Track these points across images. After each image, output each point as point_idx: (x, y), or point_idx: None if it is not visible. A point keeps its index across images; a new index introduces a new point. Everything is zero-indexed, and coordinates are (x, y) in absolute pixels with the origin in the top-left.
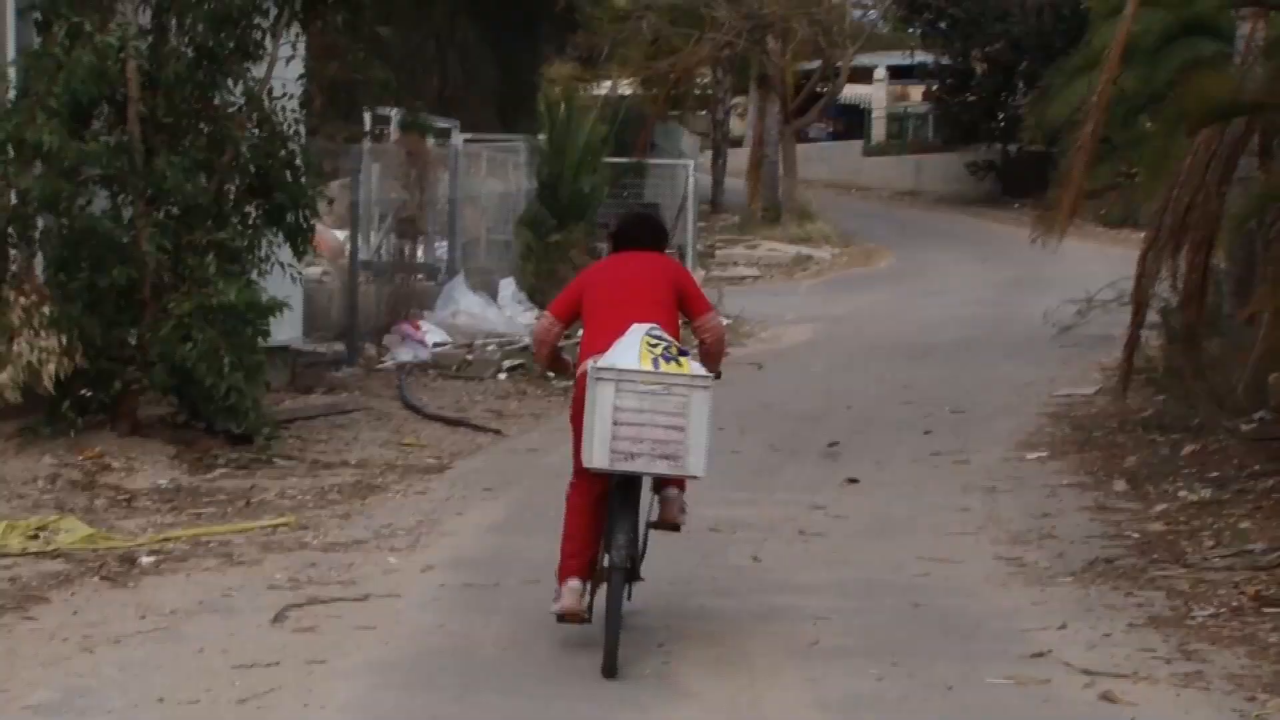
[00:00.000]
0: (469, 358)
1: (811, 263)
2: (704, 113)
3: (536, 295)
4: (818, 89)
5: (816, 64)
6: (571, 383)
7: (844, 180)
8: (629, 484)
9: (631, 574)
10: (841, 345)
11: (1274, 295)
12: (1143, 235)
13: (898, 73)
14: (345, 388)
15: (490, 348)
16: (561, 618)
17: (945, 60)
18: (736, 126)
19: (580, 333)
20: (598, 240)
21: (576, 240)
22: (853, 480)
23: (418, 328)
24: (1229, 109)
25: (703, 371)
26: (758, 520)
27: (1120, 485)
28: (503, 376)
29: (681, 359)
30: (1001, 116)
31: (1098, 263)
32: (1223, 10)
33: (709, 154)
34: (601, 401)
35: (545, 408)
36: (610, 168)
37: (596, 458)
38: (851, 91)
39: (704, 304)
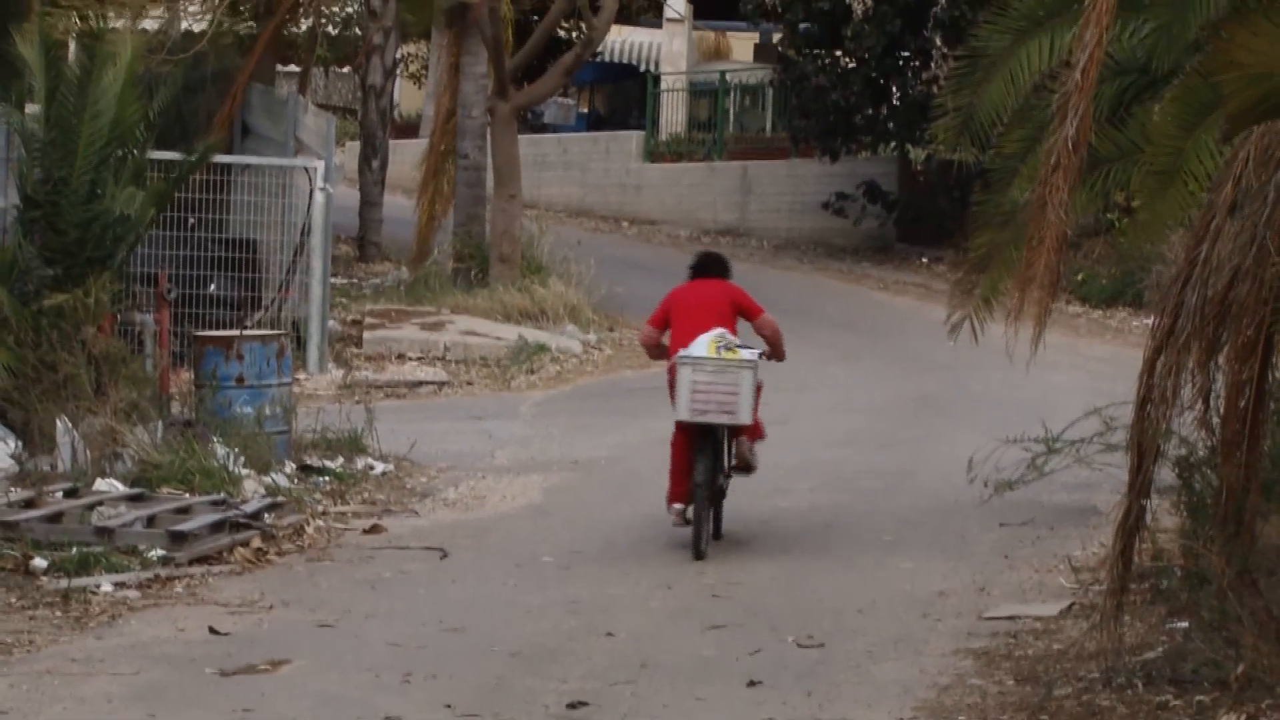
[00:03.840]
0: None
1: (546, 358)
2: (347, 70)
3: (14, 413)
4: (560, 32)
5: None
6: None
7: (609, 206)
8: (706, 434)
9: (716, 496)
10: (599, 515)
11: None
12: (1149, 324)
13: (710, 8)
14: None
15: None
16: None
17: None
18: (409, 98)
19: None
20: (138, 308)
21: (95, 308)
22: None
23: None
24: None
25: (750, 357)
26: None
27: None
28: None
29: (736, 350)
30: (898, 97)
31: (1068, 371)
32: None
33: (356, 147)
34: (684, 377)
35: (25, 629)
36: (163, 171)
37: (682, 413)
38: (624, 38)
39: (757, 310)
